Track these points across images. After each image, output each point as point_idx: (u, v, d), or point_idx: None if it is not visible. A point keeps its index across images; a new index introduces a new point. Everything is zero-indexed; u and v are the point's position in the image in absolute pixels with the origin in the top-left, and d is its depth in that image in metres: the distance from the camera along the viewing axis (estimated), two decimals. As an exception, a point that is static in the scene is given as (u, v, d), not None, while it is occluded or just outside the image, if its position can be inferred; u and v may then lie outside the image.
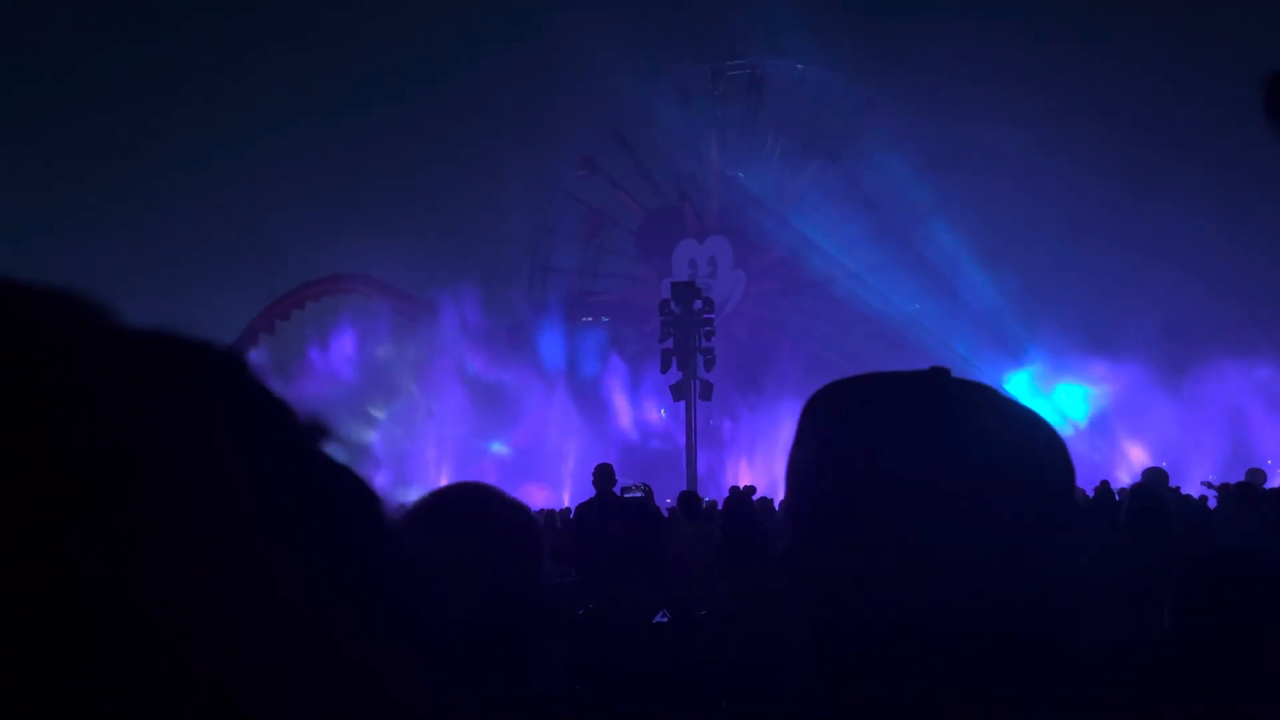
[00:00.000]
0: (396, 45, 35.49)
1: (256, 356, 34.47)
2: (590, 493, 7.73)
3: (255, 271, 30.64)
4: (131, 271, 31.43)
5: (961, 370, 0.84)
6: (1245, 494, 8.06)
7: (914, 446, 0.76)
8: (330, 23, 35.52)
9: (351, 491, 0.44)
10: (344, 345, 33.69)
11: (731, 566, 5.47)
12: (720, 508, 9.25)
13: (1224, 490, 9.23)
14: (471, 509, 1.41)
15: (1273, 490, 8.96)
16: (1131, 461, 22.69)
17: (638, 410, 32.90)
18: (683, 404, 21.09)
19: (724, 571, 5.65)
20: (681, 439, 21.79)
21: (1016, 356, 29.75)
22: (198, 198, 33.75)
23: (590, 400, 31.82)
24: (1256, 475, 10.34)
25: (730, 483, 20.11)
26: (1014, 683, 0.75)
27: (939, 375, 0.82)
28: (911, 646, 0.74)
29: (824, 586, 0.79)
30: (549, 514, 13.73)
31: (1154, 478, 6.17)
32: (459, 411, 31.43)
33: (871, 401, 0.81)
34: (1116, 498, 8.49)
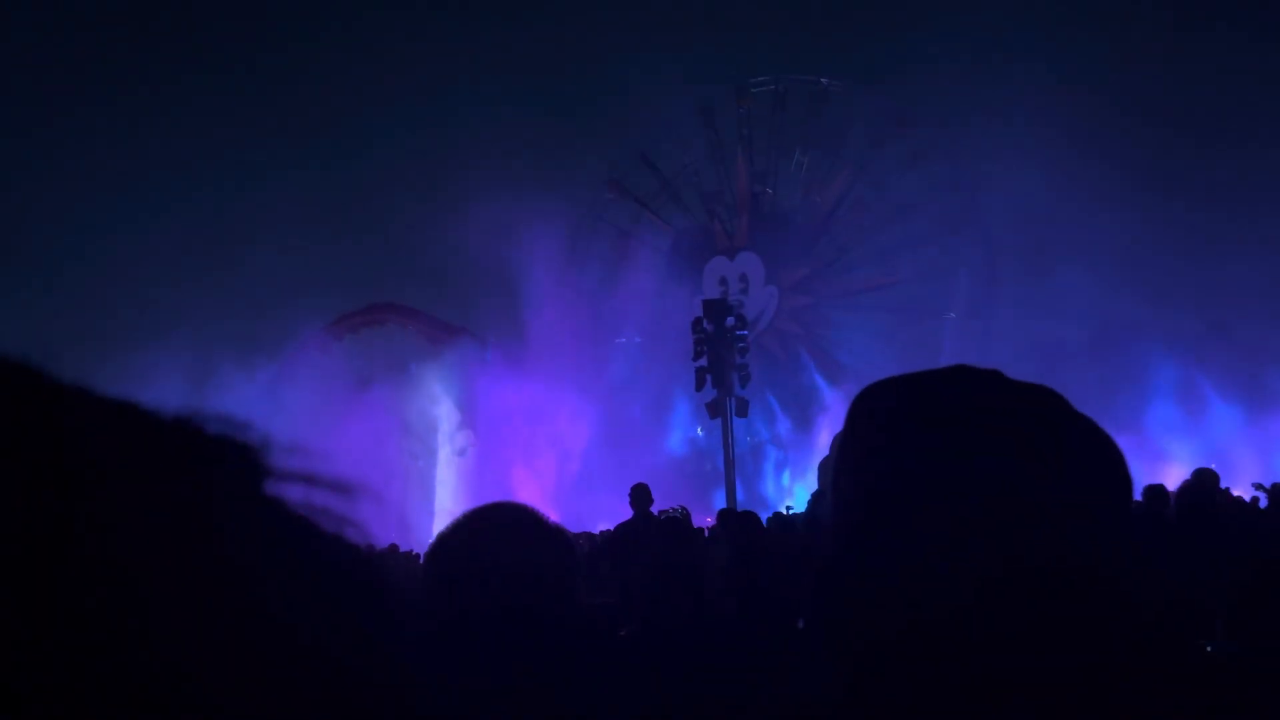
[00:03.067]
0: (414, 68, 35.90)
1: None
2: (627, 514, 7.71)
3: (275, 300, 30.96)
4: (159, 306, 31.94)
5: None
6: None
7: (968, 451, 0.72)
8: (348, 43, 36.08)
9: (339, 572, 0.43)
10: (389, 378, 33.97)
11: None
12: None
13: (1276, 491, 9.02)
14: (508, 528, 1.41)
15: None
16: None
17: (675, 430, 32.84)
18: (719, 422, 21.04)
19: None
20: (719, 457, 21.74)
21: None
22: (222, 226, 34.27)
23: (626, 420, 31.81)
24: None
25: (771, 500, 19.95)
26: (1060, 696, 0.71)
27: (994, 377, 0.78)
28: (958, 658, 0.71)
29: (866, 595, 0.75)
30: (586, 536, 13.70)
31: (1204, 479, 6.02)
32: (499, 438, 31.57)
33: (923, 403, 0.76)
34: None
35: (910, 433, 0.75)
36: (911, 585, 0.72)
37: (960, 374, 0.79)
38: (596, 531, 15.72)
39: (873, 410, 0.79)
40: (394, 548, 16.88)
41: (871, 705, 0.75)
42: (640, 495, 7.65)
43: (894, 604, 0.73)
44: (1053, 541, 0.71)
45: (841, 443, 0.80)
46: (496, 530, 1.41)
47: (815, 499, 4.63)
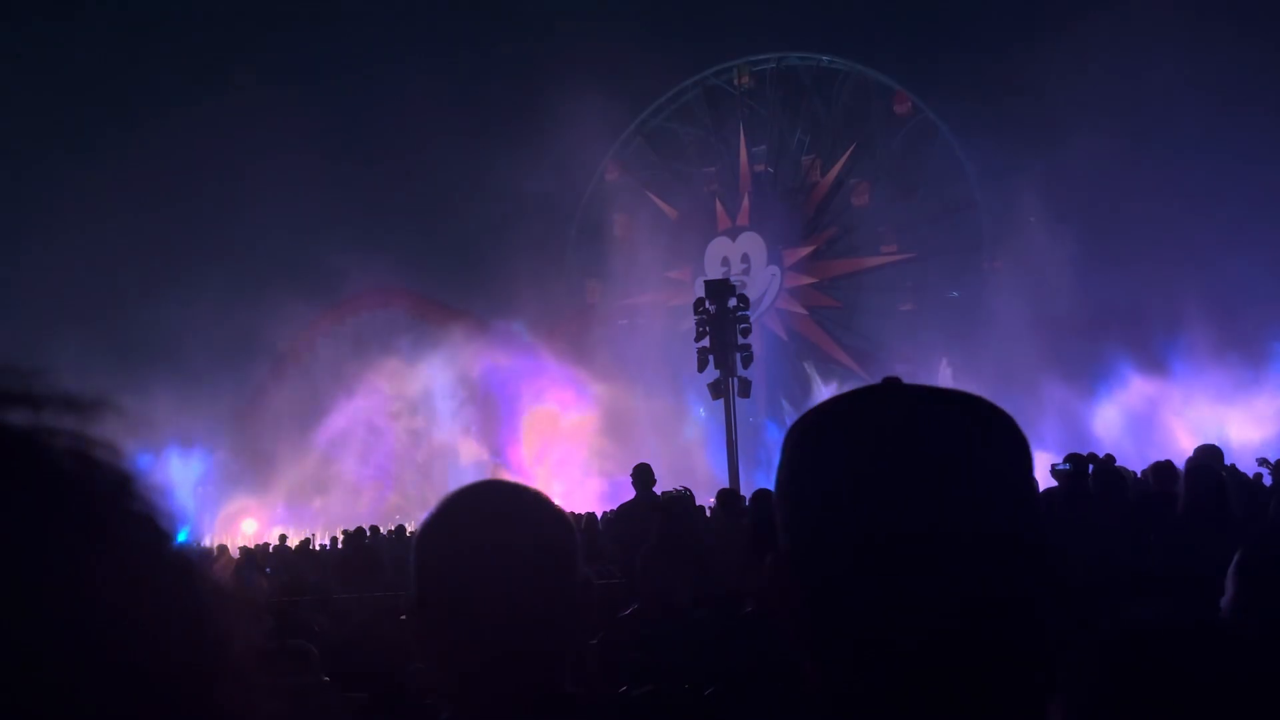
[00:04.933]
0: (413, 51, 35.67)
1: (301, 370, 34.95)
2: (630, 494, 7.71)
3: (287, 286, 30.92)
4: (157, 288, 31.91)
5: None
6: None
7: (872, 466, 0.80)
8: (344, 30, 35.87)
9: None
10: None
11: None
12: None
13: (1280, 468, 9.01)
14: (503, 506, 1.38)
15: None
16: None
17: (678, 410, 32.87)
18: (721, 402, 21.03)
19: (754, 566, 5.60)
20: (721, 438, 21.74)
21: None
22: (224, 213, 34.22)
23: (630, 402, 31.82)
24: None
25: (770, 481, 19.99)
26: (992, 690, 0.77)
27: (890, 386, 0.85)
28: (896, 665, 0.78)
29: (802, 606, 0.83)
30: (589, 516, 13.73)
31: (1208, 456, 5.98)
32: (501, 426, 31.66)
33: (830, 426, 0.85)
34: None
35: (822, 456, 0.83)
36: (836, 596, 0.80)
37: (864, 391, 0.87)
38: (598, 513, 15.75)
39: (794, 437, 0.87)
40: (401, 529, 16.94)
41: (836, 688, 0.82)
42: (643, 475, 7.64)
43: (820, 618, 0.81)
44: (964, 543, 0.78)
45: (777, 470, 0.88)
46: (489, 508, 1.39)
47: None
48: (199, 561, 0.44)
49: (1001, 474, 0.81)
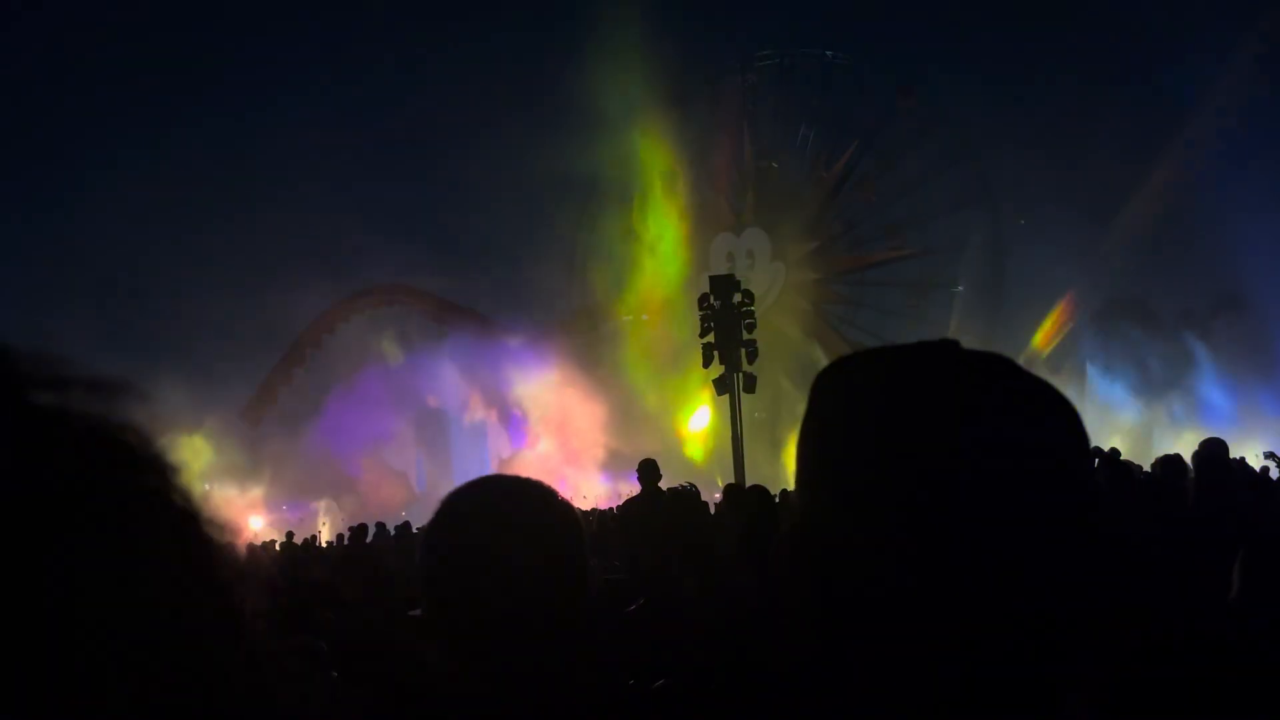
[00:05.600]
0: (416, 46, 35.70)
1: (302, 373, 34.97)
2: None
3: (284, 285, 30.98)
4: (167, 284, 32.01)
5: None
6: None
7: (920, 422, 0.73)
8: (350, 25, 35.91)
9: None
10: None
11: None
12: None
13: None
14: (509, 500, 1.37)
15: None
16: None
17: (683, 406, 32.85)
18: (727, 398, 21.02)
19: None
20: (727, 434, 21.71)
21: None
22: (228, 205, 34.24)
23: (634, 398, 31.81)
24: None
25: (775, 476, 19.96)
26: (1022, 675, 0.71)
27: (948, 347, 0.78)
28: (917, 639, 0.72)
29: (824, 573, 0.76)
30: (596, 513, 13.73)
31: (1215, 449, 5.95)
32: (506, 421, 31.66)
33: (876, 377, 0.77)
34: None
35: (865, 406, 0.76)
36: (866, 560, 0.73)
37: (915, 346, 0.79)
38: (604, 508, 15.75)
39: (831, 384, 0.80)
40: (406, 525, 16.95)
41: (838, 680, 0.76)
42: (648, 470, 7.64)
43: (847, 582, 0.74)
44: (1011, 513, 0.71)
45: (804, 418, 0.80)
46: (495, 502, 1.38)
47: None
48: (223, 544, 0.44)
49: (1062, 454, 0.74)
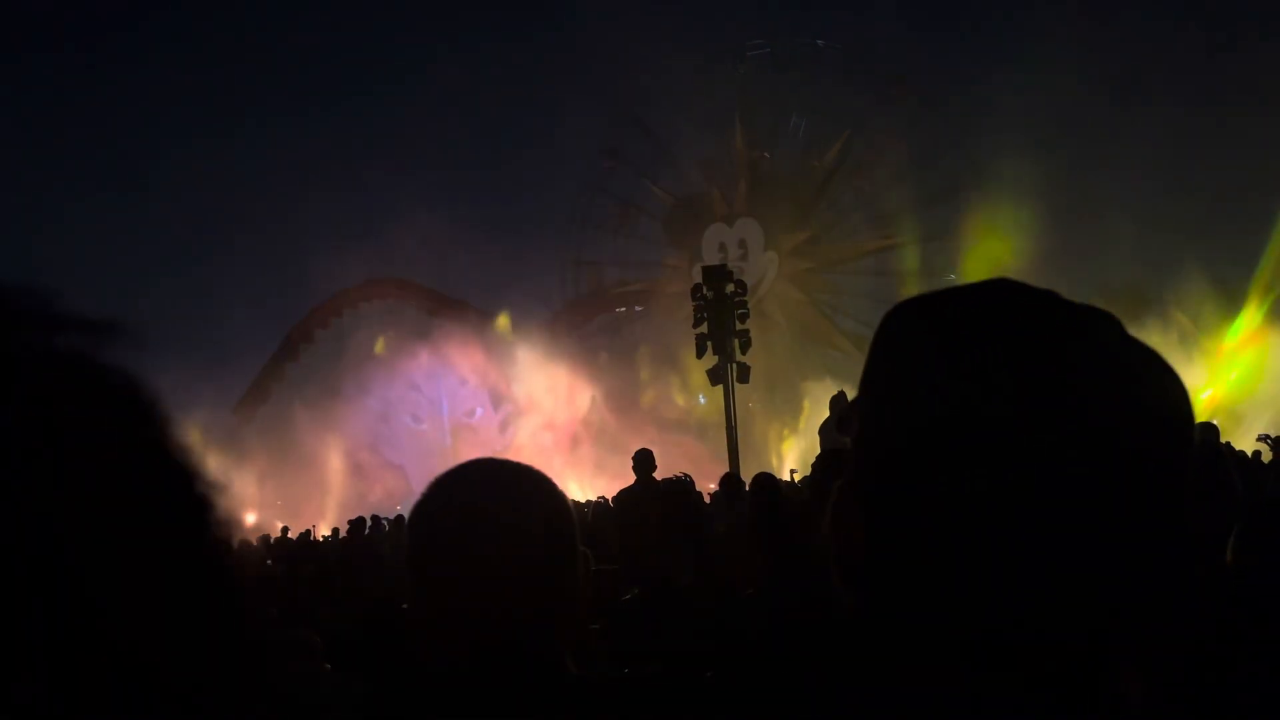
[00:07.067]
0: (408, 40, 35.66)
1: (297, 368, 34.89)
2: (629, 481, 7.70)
3: (276, 280, 31.00)
4: (153, 278, 31.93)
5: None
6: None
7: (1028, 374, 0.66)
8: (341, 19, 35.82)
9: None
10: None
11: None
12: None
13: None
14: (497, 482, 1.35)
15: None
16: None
17: (676, 397, 32.86)
18: (720, 389, 21.01)
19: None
20: (721, 424, 21.71)
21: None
22: (219, 199, 34.14)
23: (626, 389, 31.81)
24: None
25: (770, 465, 19.97)
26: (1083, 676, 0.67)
27: (1051, 297, 0.71)
28: (981, 629, 0.67)
29: (887, 521, 0.69)
30: (590, 502, 13.72)
31: (1207, 434, 5.94)
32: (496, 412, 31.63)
33: (973, 322, 0.69)
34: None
35: (964, 354, 0.68)
36: (979, 519, 0.66)
37: (1006, 288, 0.72)
38: (598, 500, 15.75)
39: (911, 331, 0.72)
40: (401, 519, 16.94)
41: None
42: (643, 461, 7.63)
43: (957, 536, 0.67)
44: (1118, 470, 0.65)
45: (873, 370, 0.73)
46: (483, 484, 1.35)
47: (820, 463, 4.59)
48: (221, 509, 0.43)
49: (1155, 409, 0.67)
